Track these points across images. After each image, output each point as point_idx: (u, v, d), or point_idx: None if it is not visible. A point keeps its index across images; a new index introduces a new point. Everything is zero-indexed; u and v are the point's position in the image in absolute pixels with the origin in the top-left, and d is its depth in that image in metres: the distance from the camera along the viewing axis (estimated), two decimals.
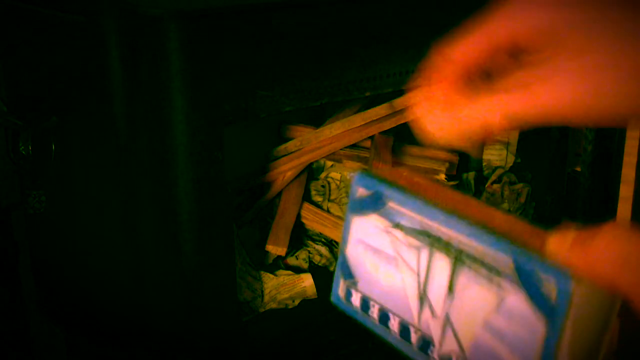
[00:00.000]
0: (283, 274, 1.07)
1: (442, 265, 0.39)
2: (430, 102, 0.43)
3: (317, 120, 1.26)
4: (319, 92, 0.91)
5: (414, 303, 0.41)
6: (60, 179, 1.00)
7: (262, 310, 1.03)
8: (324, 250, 1.14)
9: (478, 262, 0.37)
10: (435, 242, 0.39)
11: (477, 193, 1.26)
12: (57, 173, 0.99)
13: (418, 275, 0.40)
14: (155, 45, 0.79)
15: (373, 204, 0.42)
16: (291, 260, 1.12)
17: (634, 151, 1.38)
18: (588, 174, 1.21)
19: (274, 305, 1.04)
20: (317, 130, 1.18)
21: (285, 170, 1.14)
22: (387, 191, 0.42)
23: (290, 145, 1.16)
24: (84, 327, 1.09)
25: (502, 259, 0.36)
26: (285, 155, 1.15)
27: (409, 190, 0.41)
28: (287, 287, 1.05)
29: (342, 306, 0.45)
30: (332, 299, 0.46)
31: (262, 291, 1.03)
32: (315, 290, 1.06)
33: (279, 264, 1.11)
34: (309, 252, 1.14)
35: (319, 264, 1.14)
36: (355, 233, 0.44)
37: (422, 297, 0.40)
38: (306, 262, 1.12)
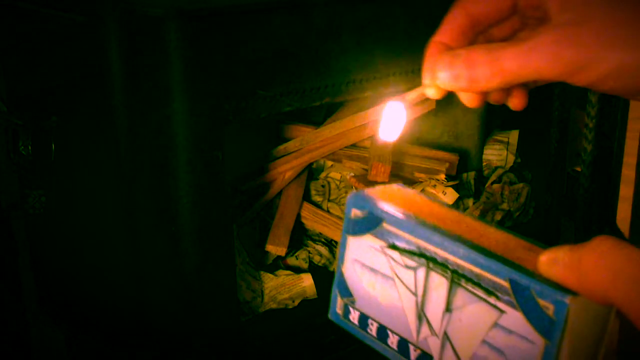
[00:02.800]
0: (283, 274, 1.07)
1: (438, 284, 0.40)
2: (440, 48, 0.46)
3: (316, 120, 1.26)
4: (319, 92, 0.91)
5: (412, 321, 0.41)
6: (60, 179, 1.00)
7: (262, 310, 1.03)
8: (324, 250, 1.14)
9: (474, 282, 0.38)
10: (430, 262, 0.40)
11: (477, 193, 1.27)
12: (57, 173, 0.99)
13: (415, 294, 0.41)
14: (155, 45, 0.79)
15: (368, 225, 0.43)
16: (291, 260, 1.12)
17: (634, 151, 1.38)
18: (588, 174, 1.21)
19: (273, 306, 1.04)
20: (317, 130, 1.19)
21: (285, 170, 1.14)
22: (380, 212, 0.43)
23: (290, 145, 1.16)
24: (84, 326, 1.09)
25: (498, 278, 0.37)
26: (285, 155, 1.15)
27: (403, 210, 0.42)
28: (287, 287, 1.05)
29: (340, 323, 0.46)
30: (330, 316, 0.46)
31: (262, 291, 1.03)
32: (315, 290, 1.06)
33: (278, 264, 1.11)
34: (309, 252, 1.14)
35: (319, 264, 1.14)
36: (351, 253, 0.45)
37: (421, 316, 0.41)
38: (306, 262, 1.12)
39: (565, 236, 1.31)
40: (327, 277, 1.11)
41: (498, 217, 1.25)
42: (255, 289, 1.03)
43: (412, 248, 0.41)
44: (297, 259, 1.12)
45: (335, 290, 0.46)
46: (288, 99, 0.89)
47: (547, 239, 1.29)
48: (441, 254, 0.39)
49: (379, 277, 0.43)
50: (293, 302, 1.05)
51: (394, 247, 0.42)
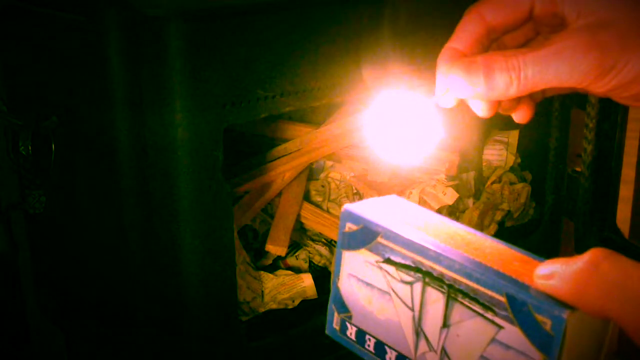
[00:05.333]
0: (283, 274, 1.07)
1: (435, 299, 0.39)
2: (455, 54, 0.44)
3: (316, 120, 1.26)
4: (318, 92, 0.91)
5: (410, 337, 0.41)
6: (60, 179, 1.00)
7: (262, 310, 1.03)
8: (323, 250, 1.14)
9: (471, 297, 0.38)
10: (427, 277, 0.39)
11: (477, 193, 1.27)
12: (57, 173, 0.99)
13: (412, 309, 0.41)
14: (156, 45, 0.79)
15: (362, 239, 0.43)
16: (291, 260, 1.12)
17: (634, 151, 1.38)
18: (588, 174, 1.21)
19: (274, 306, 1.04)
20: (317, 130, 1.18)
21: (285, 171, 1.14)
22: (375, 226, 0.42)
23: (290, 146, 1.16)
24: (84, 327, 1.09)
25: (494, 293, 0.37)
26: (285, 155, 1.15)
27: (398, 223, 0.42)
28: (287, 287, 1.05)
29: (337, 338, 0.46)
30: (327, 331, 0.46)
31: (262, 291, 1.03)
32: (315, 290, 1.06)
33: (278, 264, 1.11)
34: (309, 252, 1.14)
35: (319, 264, 1.14)
36: (346, 267, 0.44)
37: (418, 331, 0.40)
38: (306, 262, 1.12)
39: (565, 236, 1.31)
40: (327, 277, 1.11)
41: (498, 217, 1.25)
42: (255, 289, 1.03)
43: (408, 262, 0.40)
44: (297, 259, 1.12)
45: (331, 306, 0.45)
46: (288, 99, 0.89)
47: (547, 239, 1.29)
48: (437, 268, 0.39)
49: (375, 292, 0.42)
50: (293, 302, 1.05)
51: (389, 261, 0.41)
